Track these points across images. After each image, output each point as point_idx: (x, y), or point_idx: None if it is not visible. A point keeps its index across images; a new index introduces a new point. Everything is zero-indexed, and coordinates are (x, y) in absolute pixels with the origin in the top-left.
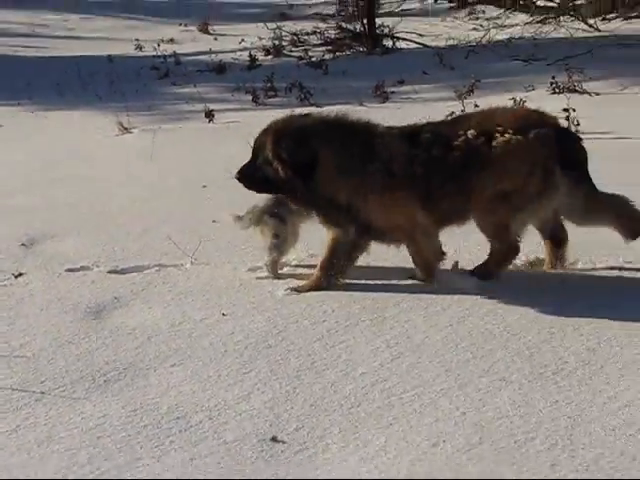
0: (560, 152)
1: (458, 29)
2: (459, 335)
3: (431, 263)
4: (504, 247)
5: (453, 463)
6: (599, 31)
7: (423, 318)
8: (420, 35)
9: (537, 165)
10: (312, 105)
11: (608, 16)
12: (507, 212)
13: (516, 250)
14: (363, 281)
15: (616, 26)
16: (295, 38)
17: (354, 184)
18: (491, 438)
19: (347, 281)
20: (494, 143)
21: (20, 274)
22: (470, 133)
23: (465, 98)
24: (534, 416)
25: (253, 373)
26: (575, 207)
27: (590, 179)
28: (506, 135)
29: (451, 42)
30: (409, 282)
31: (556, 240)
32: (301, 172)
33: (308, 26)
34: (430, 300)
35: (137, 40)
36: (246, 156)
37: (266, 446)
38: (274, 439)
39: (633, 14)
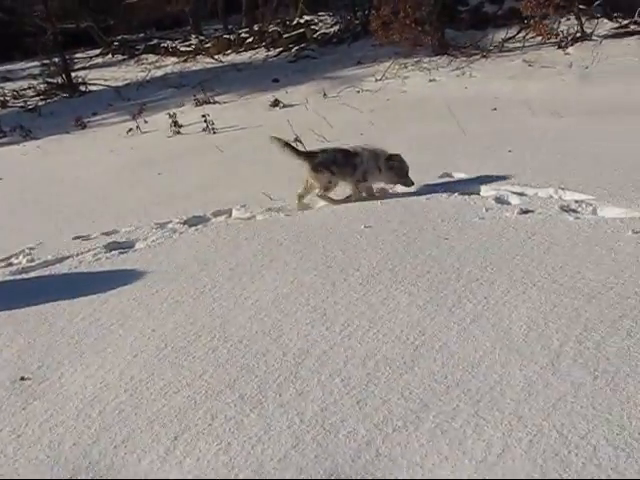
0: None
1: (130, 72)
2: (144, 279)
3: None
4: None
5: (149, 365)
6: (222, 62)
7: (119, 274)
8: (105, 80)
9: None
10: (33, 139)
11: (227, 52)
12: None
13: None
14: None
15: (232, 57)
16: (16, 93)
17: None
18: (173, 343)
19: None
20: None
21: None
22: None
23: (137, 118)
24: (200, 321)
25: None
26: None
27: None
28: None
29: (126, 82)
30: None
31: None
32: None
33: (25, 84)
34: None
35: None
36: None
37: (17, 384)
38: (22, 378)
39: (241, 49)
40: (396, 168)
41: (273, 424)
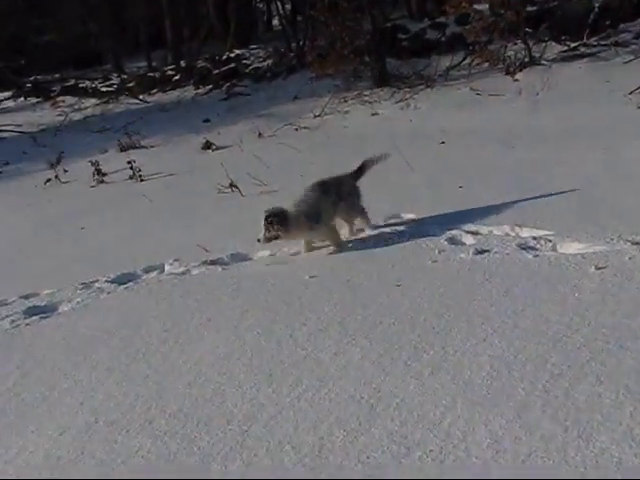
0: None
1: (46, 116)
2: (69, 346)
3: None
4: None
5: (77, 443)
6: (147, 102)
7: (41, 341)
8: (18, 125)
9: None
10: None
11: (152, 91)
12: None
13: None
14: None
15: (158, 97)
16: None
17: None
18: (105, 416)
19: None
20: None
21: None
22: None
23: (55, 167)
24: (134, 390)
25: None
26: None
27: None
28: None
29: (42, 127)
30: None
31: None
32: None
33: None
34: None
35: None
36: None
37: None
38: None
39: (168, 88)
40: None
41: None
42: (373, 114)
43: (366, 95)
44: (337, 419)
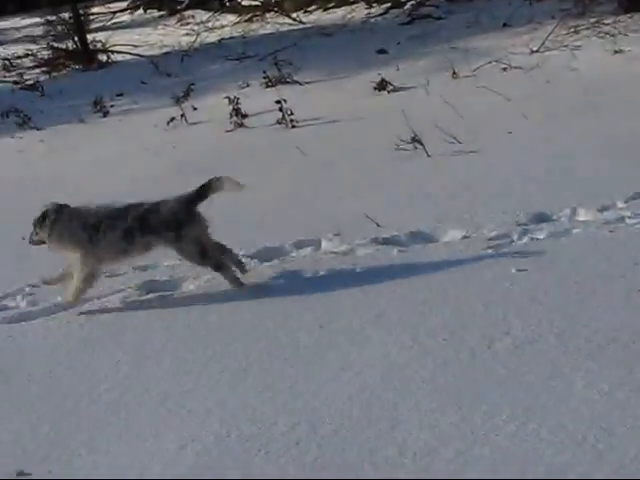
0: None
1: (171, 36)
2: (196, 335)
3: None
4: None
5: (203, 460)
6: (303, 23)
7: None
8: (135, 46)
9: None
10: (33, 128)
11: (309, 8)
12: None
13: None
14: None
15: (317, 16)
16: (7, 63)
17: None
18: (238, 429)
19: None
20: None
21: None
22: None
23: (182, 102)
24: (277, 399)
25: None
26: None
27: None
28: None
29: (165, 49)
30: None
31: None
32: None
33: (20, 49)
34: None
35: None
36: None
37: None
38: (20, 473)
39: (331, 5)
40: None
41: None
42: (616, 52)
43: (607, 24)
44: (549, 464)
